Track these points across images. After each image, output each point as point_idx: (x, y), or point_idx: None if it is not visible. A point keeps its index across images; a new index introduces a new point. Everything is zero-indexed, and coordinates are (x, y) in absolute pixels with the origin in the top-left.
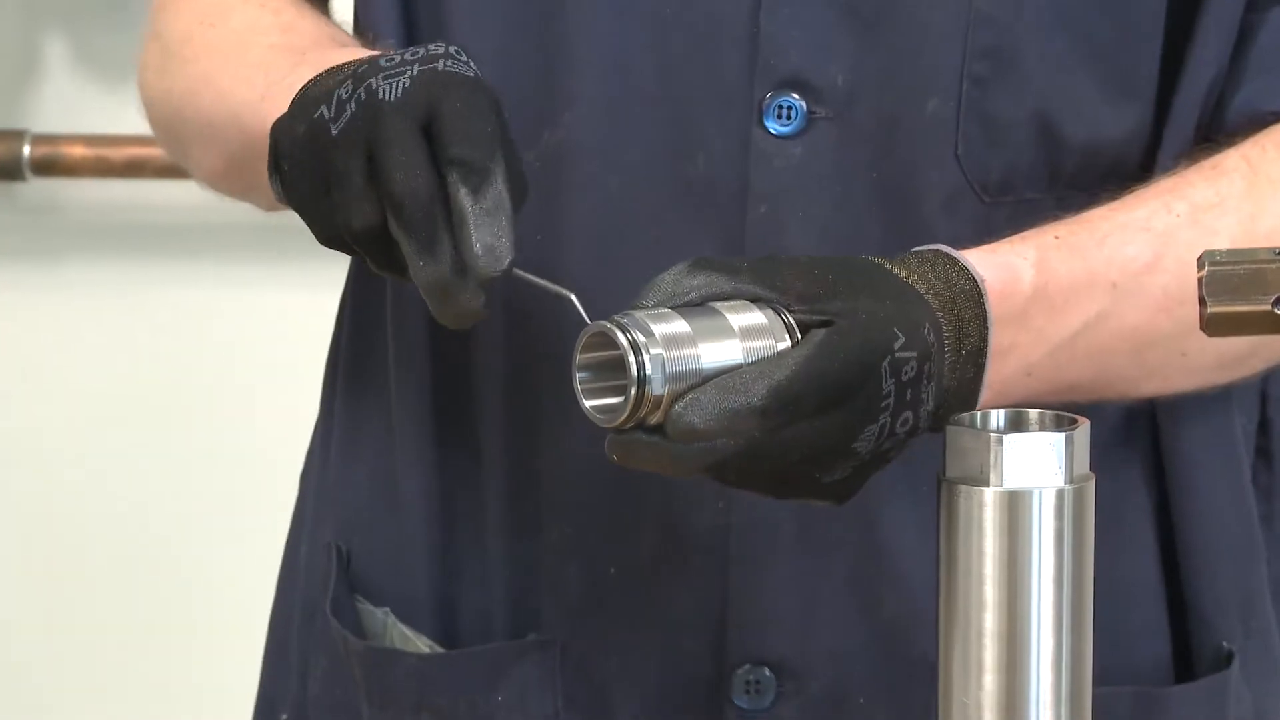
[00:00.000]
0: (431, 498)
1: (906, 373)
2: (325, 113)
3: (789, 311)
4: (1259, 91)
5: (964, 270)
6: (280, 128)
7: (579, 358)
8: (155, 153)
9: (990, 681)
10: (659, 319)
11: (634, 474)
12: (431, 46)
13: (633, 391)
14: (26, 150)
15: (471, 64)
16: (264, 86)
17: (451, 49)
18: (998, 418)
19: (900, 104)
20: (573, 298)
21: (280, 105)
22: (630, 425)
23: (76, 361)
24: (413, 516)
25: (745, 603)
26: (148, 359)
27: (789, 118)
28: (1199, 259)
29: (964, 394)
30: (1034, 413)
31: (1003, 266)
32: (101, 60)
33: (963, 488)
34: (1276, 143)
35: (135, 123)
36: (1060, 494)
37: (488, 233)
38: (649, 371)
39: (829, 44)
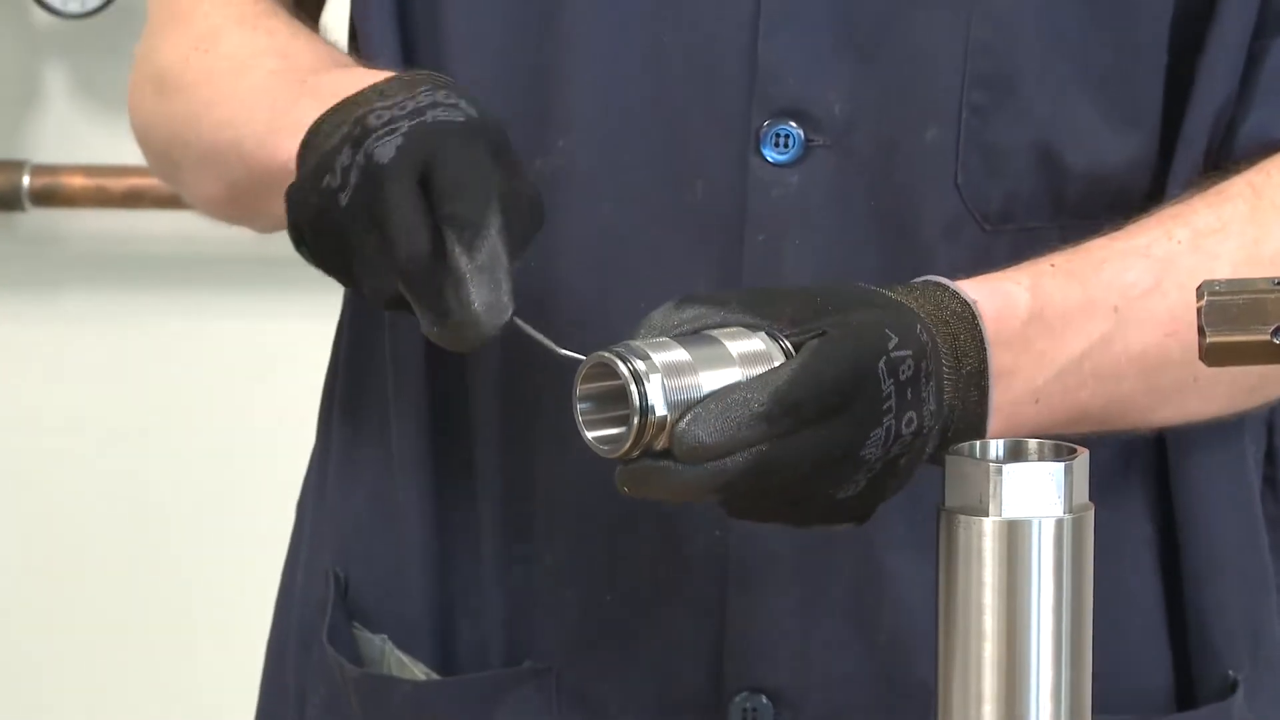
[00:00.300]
0: (428, 525)
1: (904, 371)
2: (331, 182)
3: (783, 336)
4: (1267, 119)
5: (955, 295)
6: (295, 200)
7: (579, 389)
8: (154, 183)
9: (990, 712)
10: (658, 347)
11: (630, 502)
12: (422, 93)
13: (635, 420)
14: (26, 180)
15: (462, 103)
16: (269, 118)
17: (440, 94)
18: (997, 447)
19: (899, 132)
20: (574, 355)
21: (287, 142)
22: (636, 454)
23: (75, 390)
24: (410, 543)
25: (742, 630)
26: (146, 388)
27: (786, 146)
28: (1198, 289)
29: (971, 418)
30: (1033, 442)
31: (996, 292)
32: (101, 91)
33: (962, 517)
34: None
35: (135, 153)
36: (1060, 524)
37: (485, 290)
38: (651, 400)
39: (827, 72)
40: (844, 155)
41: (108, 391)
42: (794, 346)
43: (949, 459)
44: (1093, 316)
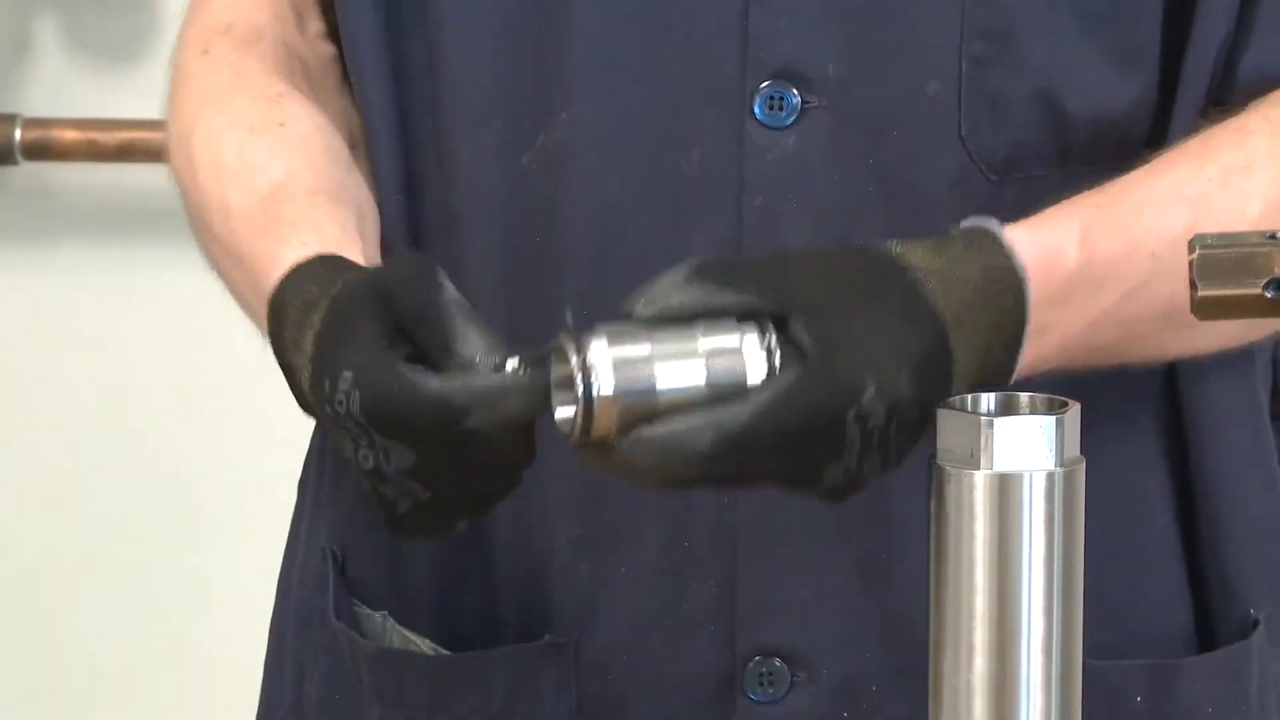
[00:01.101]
0: None
1: (874, 420)
2: (325, 399)
3: (773, 338)
4: (1268, 51)
5: (1007, 255)
6: (295, 393)
7: (554, 369)
8: (146, 136)
9: (981, 664)
10: (620, 337)
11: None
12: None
13: (579, 411)
14: (18, 134)
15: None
16: (248, 273)
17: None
18: (988, 400)
19: (898, 89)
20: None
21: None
22: (585, 441)
23: (67, 345)
24: None
25: (754, 594)
26: (140, 342)
27: (781, 109)
28: (1189, 242)
29: (997, 372)
30: (1024, 396)
31: (1048, 246)
32: (93, 43)
33: (952, 470)
34: None
35: (126, 106)
36: (1051, 477)
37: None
38: (596, 393)
39: (819, 32)
40: (841, 115)
41: (100, 346)
42: (787, 342)
43: (940, 413)
44: (1133, 265)
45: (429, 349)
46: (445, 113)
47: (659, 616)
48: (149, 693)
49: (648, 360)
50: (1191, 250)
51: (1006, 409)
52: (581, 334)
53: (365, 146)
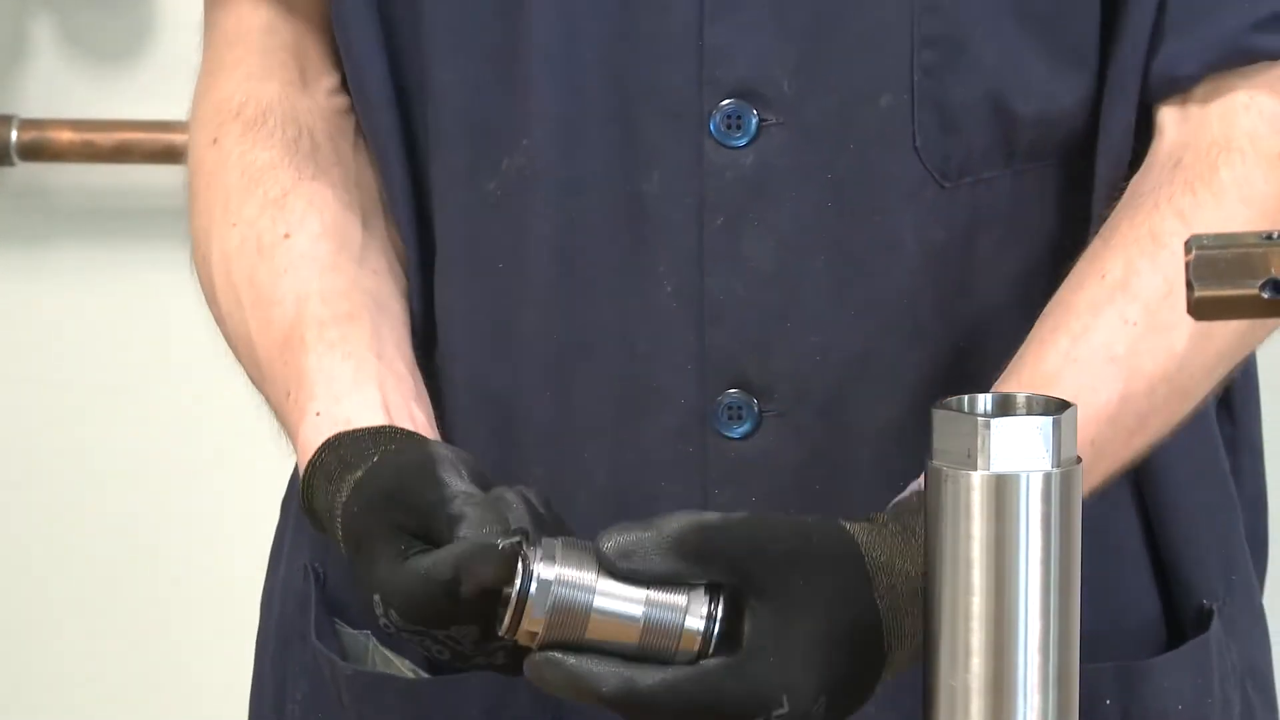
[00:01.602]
0: None
1: None
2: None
3: (718, 610)
4: (1171, 56)
5: None
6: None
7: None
8: (143, 137)
9: (978, 665)
10: (573, 559)
11: (605, 500)
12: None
13: (511, 610)
14: (14, 135)
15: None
16: (271, 392)
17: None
18: (985, 401)
19: (853, 102)
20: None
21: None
22: (511, 633)
23: (64, 346)
24: None
25: None
26: (135, 344)
27: (739, 128)
28: (1186, 243)
29: None
30: (1021, 396)
31: None
32: (89, 44)
33: (949, 471)
34: (1206, 180)
35: (123, 107)
36: (1048, 478)
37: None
38: (528, 606)
39: (773, 50)
40: (798, 131)
41: (96, 347)
42: (731, 617)
43: (936, 414)
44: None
45: (441, 543)
46: (429, 138)
47: None
48: (141, 701)
49: (589, 591)
50: (1188, 251)
51: (1003, 410)
52: (543, 540)
53: (380, 182)
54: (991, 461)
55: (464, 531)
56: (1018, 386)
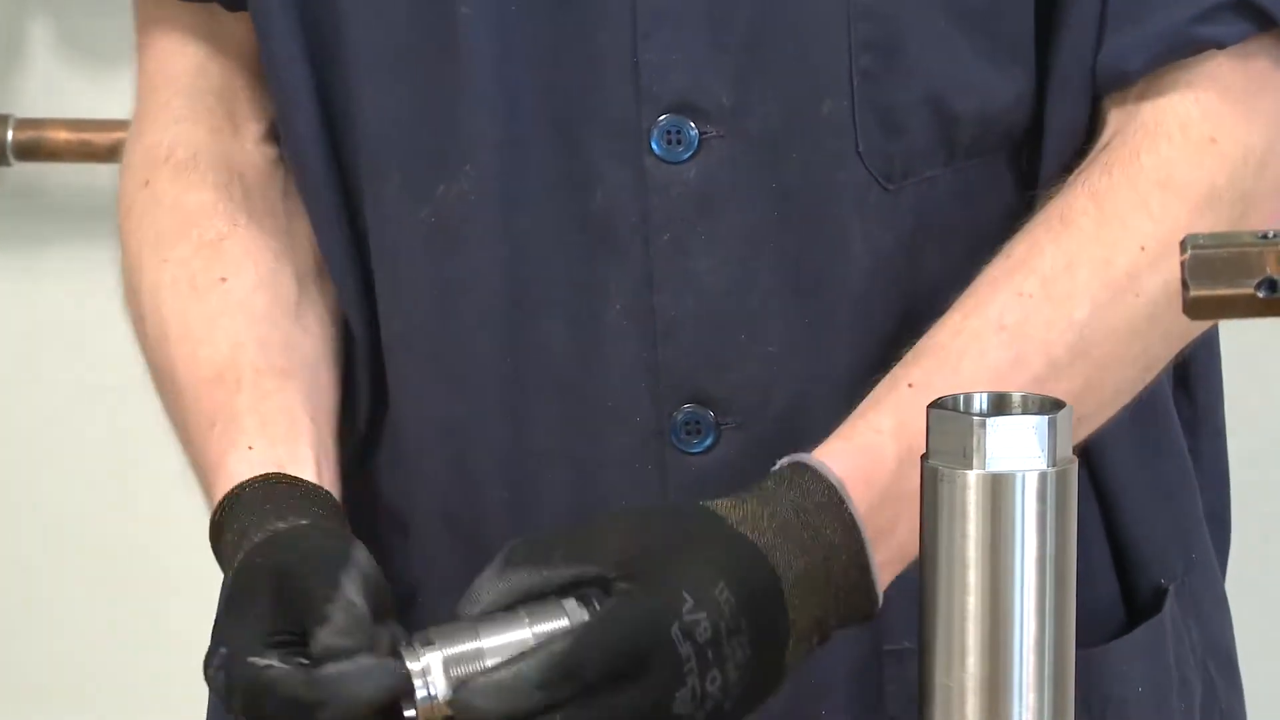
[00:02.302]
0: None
1: (701, 634)
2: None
3: (594, 600)
4: (1117, 50)
5: (820, 480)
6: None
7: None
8: None
9: (973, 664)
10: (452, 638)
11: (580, 509)
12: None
13: (420, 714)
14: (10, 134)
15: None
16: (196, 458)
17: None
18: (980, 400)
19: (793, 112)
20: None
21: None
22: None
23: (59, 346)
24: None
25: None
26: (130, 344)
27: (679, 143)
28: (1181, 243)
29: (859, 594)
30: (1017, 395)
31: (861, 452)
32: (86, 44)
33: (945, 470)
34: (1125, 162)
35: (119, 107)
36: (1043, 477)
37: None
38: (431, 691)
39: (709, 63)
40: (739, 143)
41: (92, 347)
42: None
43: (932, 413)
44: None
45: (309, 639)
46: (361, 169)
47: None
48: (135, 689)
49: (479, 654)
50: (1183, 250)
51: (998, 408)
52: (417, 641)
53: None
54: (987, 461)
55: (333, 643)
56: (909, 361)
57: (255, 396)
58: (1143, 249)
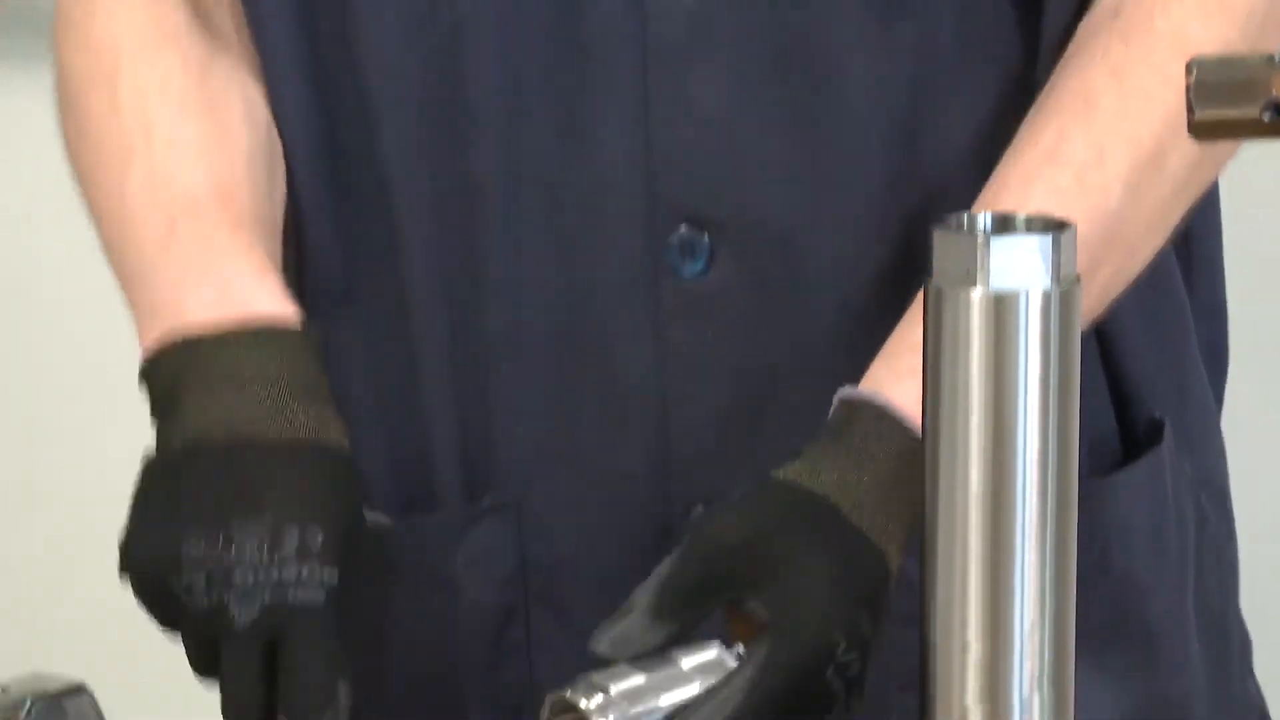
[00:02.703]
0: (368, 371)
1: (852, 669)
2: (176, 585)
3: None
4: None
5: (899, 427)
6: (135, 559)
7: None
8: None
9: (975, 482)
10: (614, 677)
11: (574, 342)
12: (288, 553)
13: None
14: None
15: (324, 574)
16: (131, 266)
17: (304, 571)
18: (984, 220)
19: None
20: None
21: (143, 323)
22: None
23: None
24: (352, 394)
25: (686, 446)
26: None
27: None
28: (1187, 65)
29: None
30: (1021, 215)
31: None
32: None
33: (948, 290)
34: (1141, 29)
35: None
36: (1047, 296)
37: None
38: None
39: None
40: None
41: None
42: (745, 618)
43: (936, 233)
44: None
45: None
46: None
47: (595, 471)
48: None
49: (650, 691)
50: (1189, 74)
51: (1002, 228)
52: (578, 685)
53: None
54: (991, 279)
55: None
56: None
57: (230, 241)
58: (1166, 122)
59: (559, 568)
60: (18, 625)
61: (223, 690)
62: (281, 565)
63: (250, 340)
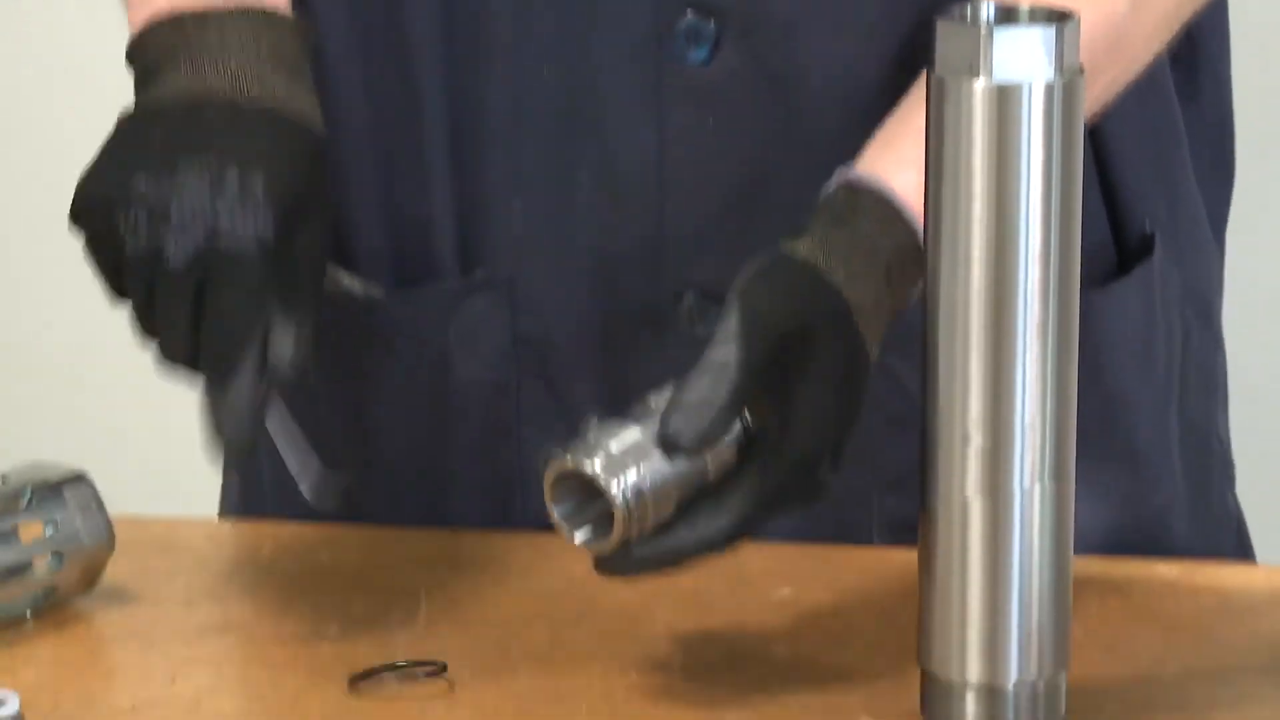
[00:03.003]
0: (370, 141)
1: (837, 461)
2: (123, 225)
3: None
4: None
5: (906, 224)
6: (85, 197)
7: (551, 494)
8: None
9: (978, 274)
10: (608, 433)
11: (572, 115)
12: (222, 209)
13: (619, 525)
14: None
15: (258, 222)
16: None
17: (240, 217)
18: (988, 10)
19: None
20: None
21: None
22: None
23: None
24: (350, 161)
25: (680, 230)
26: None
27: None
28: None
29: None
30: (1024, 7)
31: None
32: None
33: (951, 82)
34: None
35: None
36: (1050, 87)
37: (229, 424)
38: (627, 494)
39: None
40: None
41: None
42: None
43: (939, 24)
44: None
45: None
46: None
47: (589, 249)
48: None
49: (645, 441)
50: None
51: (1005, 19)
52: (579, 449)
53: None
54: (994, 71)
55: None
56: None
57: None
58: None
59: (550, 345)
60: (17, 415)
61: (157, 334)
62: (219, 207)
63: (239, 17)
